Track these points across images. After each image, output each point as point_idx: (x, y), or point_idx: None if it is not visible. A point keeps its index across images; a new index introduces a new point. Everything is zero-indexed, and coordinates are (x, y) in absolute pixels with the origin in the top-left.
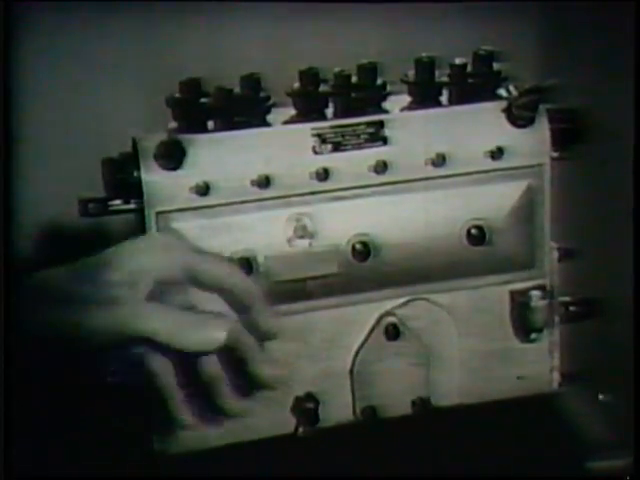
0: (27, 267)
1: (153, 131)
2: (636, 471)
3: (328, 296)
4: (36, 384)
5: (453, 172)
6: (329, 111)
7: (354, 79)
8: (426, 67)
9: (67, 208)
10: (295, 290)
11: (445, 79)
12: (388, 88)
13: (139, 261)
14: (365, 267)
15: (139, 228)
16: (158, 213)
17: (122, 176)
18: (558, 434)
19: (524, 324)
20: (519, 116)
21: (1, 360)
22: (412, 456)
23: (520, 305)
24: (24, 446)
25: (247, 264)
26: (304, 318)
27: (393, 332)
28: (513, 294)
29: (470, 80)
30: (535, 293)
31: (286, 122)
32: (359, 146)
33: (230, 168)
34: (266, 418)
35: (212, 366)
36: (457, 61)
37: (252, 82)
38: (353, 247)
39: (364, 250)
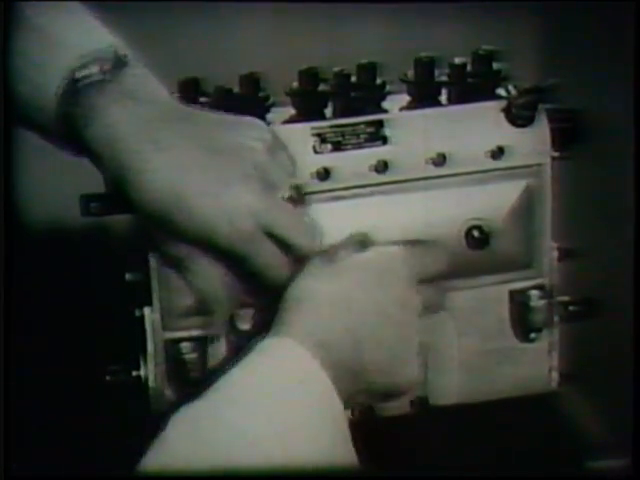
0: (27, 267)
1: None
2: (636, 471)
3: None
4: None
5: (453, 172)
6: (328, 111)
7: (354, 79)
8: (426, 67)
9: (68, 207)
10: None
11: (445, 79)
12: (387, 88)
13: None
14: None
15: None
16: None
17: None
18: (558, 434)
19: (523, 324)
20: (519, 116)
21: (1, 359)
22: (410, 455)
23: (519, 305)
24: (23, 445)
25: None
26: None
27: None
28: (512, 294)
29: (470, 80)
30: (534, 293)
31: (286, 122)
32: (359, 146)
33: None
34: None
35: None
36: (457, 61)
37: (251, 81)
38: None
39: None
